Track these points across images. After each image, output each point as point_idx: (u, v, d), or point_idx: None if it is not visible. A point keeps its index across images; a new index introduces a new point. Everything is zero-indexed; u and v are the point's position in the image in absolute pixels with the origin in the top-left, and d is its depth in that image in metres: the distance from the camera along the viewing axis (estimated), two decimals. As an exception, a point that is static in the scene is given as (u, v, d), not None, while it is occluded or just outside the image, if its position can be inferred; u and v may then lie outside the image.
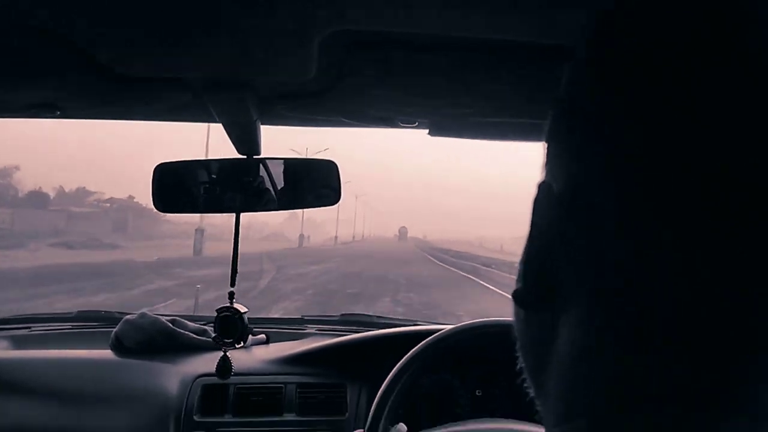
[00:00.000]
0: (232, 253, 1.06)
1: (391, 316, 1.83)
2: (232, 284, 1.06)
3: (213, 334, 1.50)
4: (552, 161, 0.33)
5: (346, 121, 0.90)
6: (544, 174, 0.34)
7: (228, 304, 1.10)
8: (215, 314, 1.06)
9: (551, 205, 0.31)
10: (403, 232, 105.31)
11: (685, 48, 0.27)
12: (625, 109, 0.28)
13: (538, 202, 0.32)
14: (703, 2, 0.28)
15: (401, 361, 1.11)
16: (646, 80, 0.28)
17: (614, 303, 0.28)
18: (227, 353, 1.10)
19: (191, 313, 1.61)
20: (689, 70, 0.27)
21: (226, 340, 1.05)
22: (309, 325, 1.76)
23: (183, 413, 1.22)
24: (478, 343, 1.16)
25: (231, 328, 1.05)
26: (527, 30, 0.58)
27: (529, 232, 0.35)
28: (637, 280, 0.27)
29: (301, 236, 49.04)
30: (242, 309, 1.05)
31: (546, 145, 0.35)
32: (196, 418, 1.23)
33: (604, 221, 0.28)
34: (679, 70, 0.27)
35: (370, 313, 1.86)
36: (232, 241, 1.03)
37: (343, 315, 1.82)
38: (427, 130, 0.86)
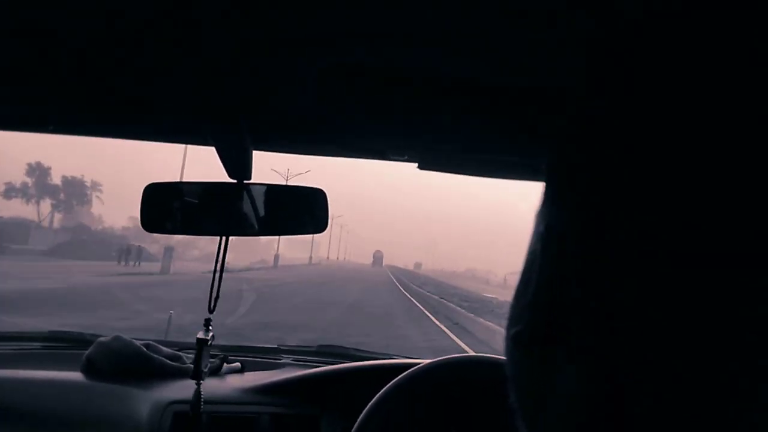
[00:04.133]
0: (212, 278, 1.06)
1: (367, 349, 1.82)
2: (211, 310, 1.05)
3: (188, 362, 1.49)
4: (552, 202, 0.33)
5: (338, 150, 0.92)
6: (544, 214, 0.33)
7: (203, 332, 1.09)
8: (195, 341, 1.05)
9: (554, 247, 0.31)
10: (377, 257, 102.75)
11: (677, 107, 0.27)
12: (622, 155, 0.28)
13: (540, 243, 0.32)
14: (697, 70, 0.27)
15: (380, 393, 1.11)
16: (643, 132, 0.28)
17: (624, 348, 0.27)
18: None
19: (163, 338, 1.59)
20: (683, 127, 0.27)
21: (203, 371, 1.05)
22: (285, 355, 1.74)
23: None
24: (456, 378, 1.16)
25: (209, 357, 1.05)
26: (520, 73, 0.61)
27: (527, 272, 0.34)
28: (649, 327, 0.26)
29: (276, 257, 50.07)
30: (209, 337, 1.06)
31: (545, 186, 0.34)
32: None
33: (613, 264, 0.27)
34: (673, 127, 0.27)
35: (347, 345, 1.85)
36: (214, 265, 1.03)
37: (319, 346, 1.81)
38: (416, 164, 0.89)
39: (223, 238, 0.97)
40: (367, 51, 0.59)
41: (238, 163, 0.92)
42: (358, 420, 1.08)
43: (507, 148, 0.78)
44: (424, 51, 0.58)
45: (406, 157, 0.89)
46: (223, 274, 1.05)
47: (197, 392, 1.09)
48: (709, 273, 0.25)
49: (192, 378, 1.12)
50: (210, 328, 1.10)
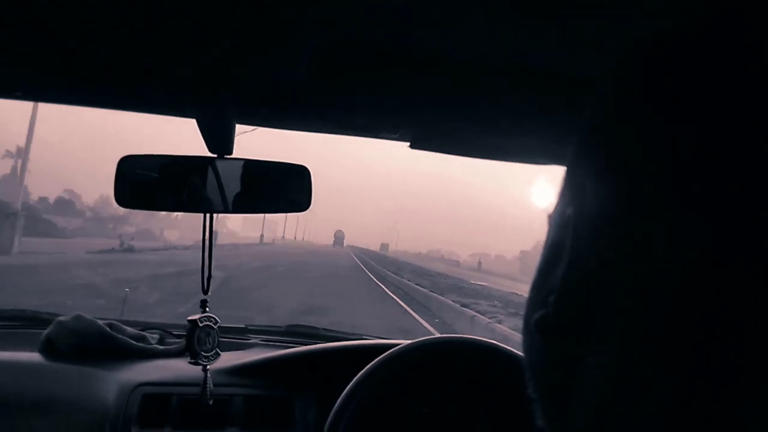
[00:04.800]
0: (201, 257, 1.01)
1: (337, 329, 1.80)
2: (205, 291, 1.01)
3: (153, 342, 1.43)
4: (582, 186, 0.33)
5: (326, 126, 0.88)
6: (570, 197, 0.34)
7: (201, 314, 1.05)
8: (187, 323, 1.00)
9: (587, 229, 0.31)
10: (338, 236, 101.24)
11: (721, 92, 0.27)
12: (665, 140, 0.28)
13: (570, 226, 0.32)
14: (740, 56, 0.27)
15: (359, 376, 1.09)
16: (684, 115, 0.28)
17: (663, 333, 0.27)
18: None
19: (119, 317, 1.51)
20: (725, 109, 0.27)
21: (206, 354, 1.00)
22: (252, 335, 1.71)
23: (120, 424, 1.14)
24: (436, 359, 1.16)
25: (209, 339, 1.01)
26: (521, 56, 0.59)
27: (551, 255, 0.34)
28: (690, 310, 0.26)
29: (261, 236, 48.61)
30: (215, 318, 1.01)
31: (571, 169, 0.35)
32: (134, 430, 1.15)
33: (653, 248, 0.27)
34: (717, 110, 0.27)
35: (316, 326, 1.82)
36: (202, 243, 0.98)
37: (289, 326, 1.78)
38: (408, 143, 0.86)
39: (208, 215, 0.93)
40: (358, 27, 0.57)
41: (219, 137, 0.88)
42: (339, 400, 1.06)
43: (505, 129, 0.77)
44: (423, 30, 0.56)
45: (397, 135, 0.86)
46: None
47: (205, 379, 1.05)
48: (752, 261, 0.25)
49: (191, 360, 1.08)
50: (207, 309, 1.06)
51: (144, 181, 0.93)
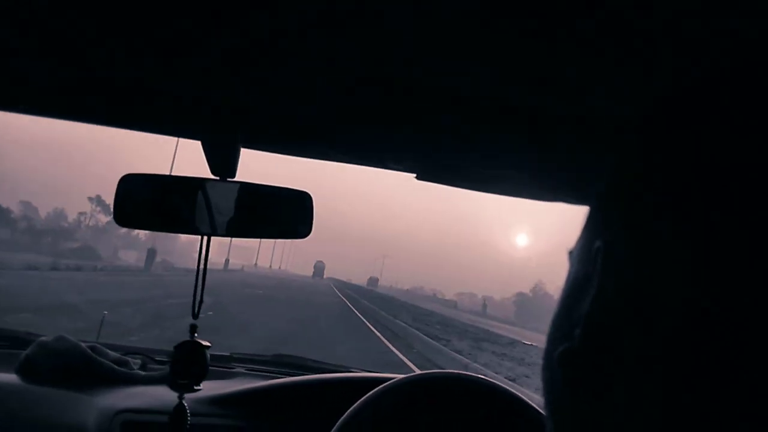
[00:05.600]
0: (195, 280, 0.99)
1: (324, 361, 1.76)
2: (195, 316, 0.98)
3: (135, 368, 1.39)
4: (612, 220, 0.33)
5: (331, 154, 0.88)
6: (596, 231, 0.34)
7: (189, 338, 1.02)
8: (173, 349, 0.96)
9: (615, 263, 0.31)
10: (318, 267, 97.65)
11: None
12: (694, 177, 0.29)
13: (595, 261, 0.32)
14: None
15: (351, 410, 1.06)
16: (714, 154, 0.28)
17: (693, 368, 0.26)
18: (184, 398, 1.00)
19: (93, 341, 1.44)
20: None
21: (182, 381, 0.97)
22: (237, 364, 1.67)
23: None
24: (428, 395, 1.14)
25: (193, 365, 0.97)
26: (533, 91, 0.60)
27: (574, 290, 0.34)
28: (723, 345, 0.25)
29: (227, 261, 46.82)
30: (205, 344, 0.98)
31: (599, 204, 0.35)
32: None
33: (681, 285, 0.27)
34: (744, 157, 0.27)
35: (303, 356, 1.77)
36: (197, 266, 0.96)
37: (275, 355, 1.74)
38: (414, 174, 0.86)
39: (205, 238, 0.91)
40: (364, 61, 0.58)
41: (223, 160, 0.87)
42: None
43: (513, 164, 0.77)
44: (430, 64, 0.56)
45: (403, 166, 0.86)
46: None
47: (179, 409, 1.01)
48: None
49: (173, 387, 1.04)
50: (196, 335, 1.03)
51: (143, 201, 0.91)
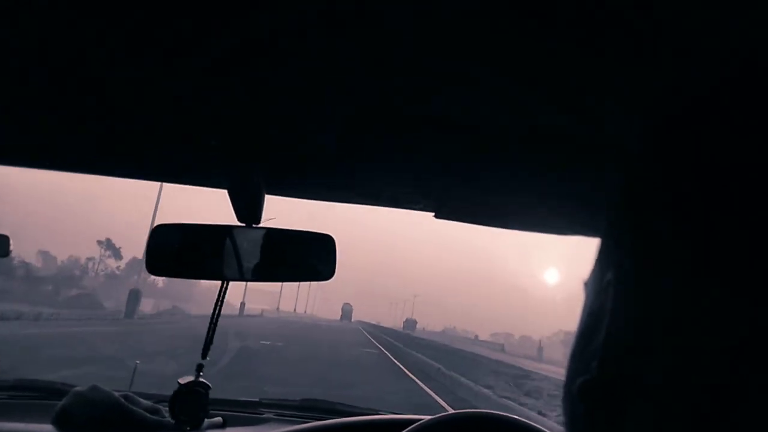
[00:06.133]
0: (209, 322, 1.02)
1: (352, 404, 1.75)
2: (204, 356, 1.01)
3: (167, 416, 1.41)
4: (622, 251, 0.33)
5: (352, 197, 0.91)
6: (609, 263, 0.34)
7: (193, 378, 1.04)
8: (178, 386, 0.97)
9: (629, 293, 0.31)
10: (346, 310, 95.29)
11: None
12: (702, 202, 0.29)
13: (607, 292, 0.32)
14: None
15: None
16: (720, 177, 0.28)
17: (709, 396, 0.26)
18: None
19: (126, 390, 1.47)
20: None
21: (183, 418, 0.99)
22: (265, 409, 1.67)
23: None
24: None
25: (191, 405, 0.99)
26: (548, 121, 0.60)
27: (590, 322, 0.34)
28: (736, 373, 0.26)
29: (242, 304, 45.92)
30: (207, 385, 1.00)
31: (609, 234, 0.36)
32: None
33: (695, 310, 0.27)
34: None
35: (332, 400, 1.76)
36: (213, 309, 0.99)
37: (303, 400, 1.74)
38: (433, 213, 0.88)
39: (223, 283, 0.94)
40: (382, 97, 0.59)
41: (249, 207, 0.90)
42: None
43: (531, 200, 0.78)
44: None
45: (422, 205, 0.88)
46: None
47: None
48: None
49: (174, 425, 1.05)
50: (201, 374, 1.05)
51: (174, 250, 0.95)
